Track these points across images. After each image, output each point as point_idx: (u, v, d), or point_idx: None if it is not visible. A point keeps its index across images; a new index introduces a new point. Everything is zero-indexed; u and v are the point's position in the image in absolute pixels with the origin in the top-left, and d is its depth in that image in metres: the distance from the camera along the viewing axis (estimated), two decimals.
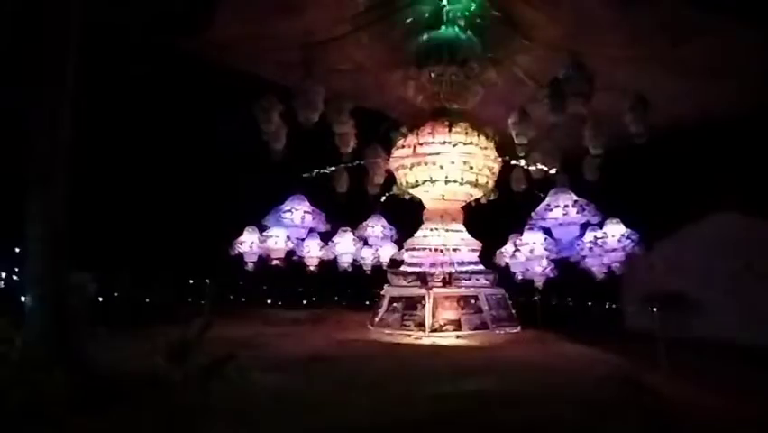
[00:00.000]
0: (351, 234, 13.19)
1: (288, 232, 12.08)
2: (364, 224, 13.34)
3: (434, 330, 10.37)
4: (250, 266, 12.12)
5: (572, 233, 10.38)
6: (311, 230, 12.48)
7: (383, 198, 13.06)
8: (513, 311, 11.77)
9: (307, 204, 12.22)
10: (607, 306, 17.55)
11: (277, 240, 11.87)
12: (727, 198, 14.93)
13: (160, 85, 14.37)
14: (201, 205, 15.88)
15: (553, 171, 11.13)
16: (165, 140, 15.45)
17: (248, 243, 12.02)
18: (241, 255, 12.15)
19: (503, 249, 12.11)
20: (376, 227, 13.36)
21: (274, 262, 11.86)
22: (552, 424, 5.34)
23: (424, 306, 10.61)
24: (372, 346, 9.52)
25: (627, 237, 9.96)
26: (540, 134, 10.49)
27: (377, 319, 11.07)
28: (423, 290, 10.82)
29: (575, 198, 10.55)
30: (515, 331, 11.28)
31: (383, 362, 7.89)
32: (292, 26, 10.01)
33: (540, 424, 5.30)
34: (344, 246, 13.04)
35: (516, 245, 11.13)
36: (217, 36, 9.77)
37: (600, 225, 10.45)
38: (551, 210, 10.62)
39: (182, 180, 16.00)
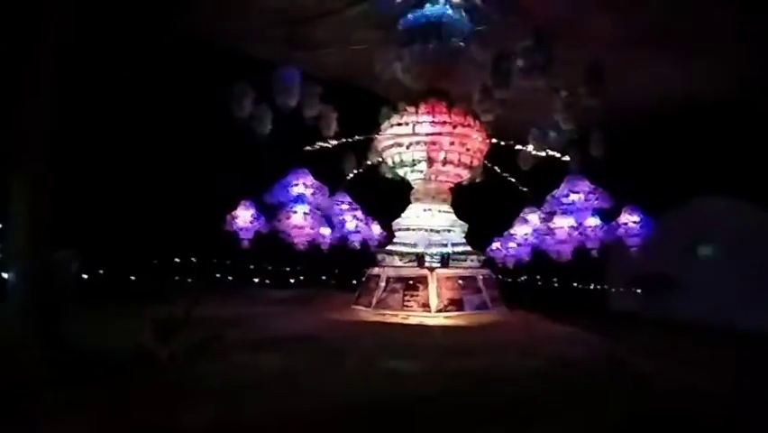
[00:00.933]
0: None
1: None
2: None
3: (439, 310, 10.41)
4: (245, 244, 11.08)
5: (586, 217, 10.52)
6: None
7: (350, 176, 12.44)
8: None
9: (312, 179, 11.01)
10: (592, 287, 17.76)
11: (305, 217, 10.55)
12: (715, 181, 15.07)
13: (147, 59, 14.08)
14: (188, 181, 15.69)
15: (558, 155, 11.01)
16: (153, 115, 15.19)
17: (243, 218, 10.99)
18: (235, 232, 11.16)
19: (526, 229, 12.02)
20: (342, 205, 12.29)
21: (298, 241, 10.55)
22: (537, 403, 5.42)
23: (426, 286, 10.60)
24: (359, 326, 9.56)
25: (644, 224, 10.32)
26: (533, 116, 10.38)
27: (374, 300, 10.87)
28: (425, 271, 10.80)
29: (590, 184, 10.56)
30: (503, 311, 11.39)
31: (369, 341, 7.92)
32: (279, 1, 9.83)
33: (525, 403, 5.37)
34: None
35: (549, 228, 11.11)
36: (204, 9, 9.55)
37: (612, 211, 10.61)
38: (567, 196, 10.61)
39: (169, 157, 15.78)
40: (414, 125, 10.91)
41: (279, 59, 10.30)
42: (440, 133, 10.84)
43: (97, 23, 11.51)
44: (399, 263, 11.16)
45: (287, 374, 5.97)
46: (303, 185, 10.55)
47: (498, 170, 12.44)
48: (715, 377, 7.14)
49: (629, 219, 10.53)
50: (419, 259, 10.99)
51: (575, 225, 10.51)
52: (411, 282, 10.75)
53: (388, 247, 11.70)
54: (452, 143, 10.90)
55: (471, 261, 11.56)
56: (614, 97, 9.77)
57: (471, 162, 11.39)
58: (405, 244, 11.39)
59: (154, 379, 5.49)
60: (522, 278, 14.11)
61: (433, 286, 10.55)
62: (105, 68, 13.87)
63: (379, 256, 11.66)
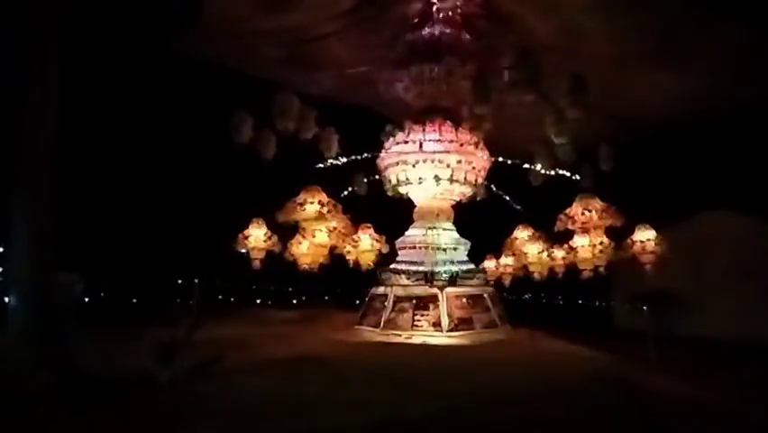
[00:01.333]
0: None
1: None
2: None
3: (451, 330, 10.31)
4: (257, 264, 10.71)
5: (600, 236, 10.52)
6: None
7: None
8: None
9: (326, 196, 10.63)
10: (597, 304, 17.60)
11: (330, 235, 10.40)
12: (718, 195, 15.03)
13: (150, 82, 14.22)
14: (190, 202, 15.71)
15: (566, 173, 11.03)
16: (156, 134, 15.29)
17: (256, 238, 10.62)
18: (246, 252, 10.80)
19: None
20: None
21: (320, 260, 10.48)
22: (543, 422, 5.34)
23: (437, 305, 10.51)
24: (362, 347, 9.48)
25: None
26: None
27: (383, 320, 10.68)
28: (434, 290, 10.70)
29: (602, 203, 10.56)
30: (508, 330, 11.31)
31: (373, 362, 7.85)
32: (280, 23, 9.95)
33: (532, 422, 5.30)
34: None
35: (570, 246, 11.17)
36: (205, 32, 9.68)
37: (624, 229, 10.62)
38: (582, 214, 10.60)
39: (173, 178, 15.84)
40: (421, 143, 10.93)
41: (279, 79, 10.43)
42: (448, 151, 10.90)
43: (98, 39, 11.66)
44: (407, 282, 11.03)
45: (288, 397, 5.91)
46: (318, 203, 10.25)
47: (494, 188, 12.41)
48: (722, 393, 7.05)
49: (644, 236, 10.54)
50: (428, 278, 10.90)
51: (593, 243, 10.54)
52: (421, 302, 10.65)
53: (393, 266, 11.50)
54: (459, 162, 10.96)
55: (478, 279, 11.51)
56: (616, 112, 9.84)
57: (476, 180, 11.43)
58: (411, 263, 11.23)
59: (155, 402, 5.43)
60: (526, 295, 14.03)
61: (443, 305, 10.47)
62: (107, 86, 14.03)
63: (384, 275, 11.43)
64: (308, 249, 10.59)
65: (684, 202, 15.35)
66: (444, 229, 11.64)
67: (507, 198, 12.28)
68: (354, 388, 6.28)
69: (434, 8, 10.64)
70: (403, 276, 11.11)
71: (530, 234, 12.47)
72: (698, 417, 6.00)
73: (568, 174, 10.76)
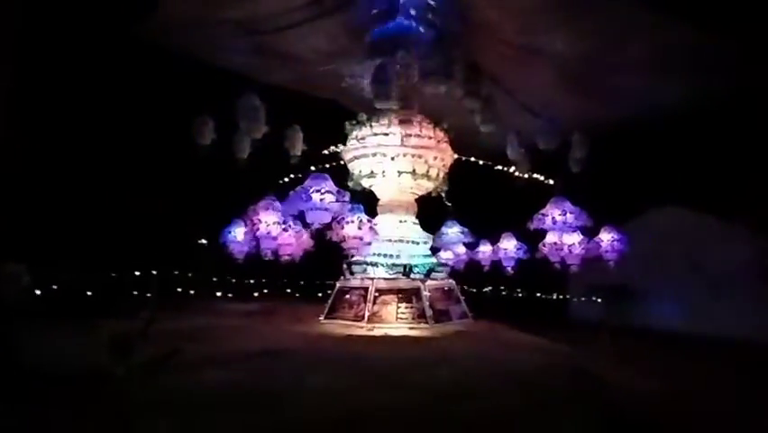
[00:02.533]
0: None
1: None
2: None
3: (436, 322, 10.42)
4: (240, 258, 10.81)
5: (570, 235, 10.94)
6: None
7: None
8: None
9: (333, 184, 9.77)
10: (555, 296, 18.04)
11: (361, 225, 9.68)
12: (669, 192, 15.57)
13: (112, 70, 13.77)
14: (148, 193, 15.32)
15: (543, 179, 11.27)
16: (111, 121, 14.82)
17: (241, 232, 10.57)
18: (231, 246, 10.76)
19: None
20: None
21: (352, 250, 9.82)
22: (503, 414, 5.42)
23: (420, 298, 10.56)
24: (324, 339, 9.43)
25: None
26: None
27: (367, 314, 10.47)
28: (417, 283, 10.74)
29: (572, 206, 10.83)
30: (470, 322, 11.48)
31: (335, 355, 7.82)
32: (244, 12, 9.75)
33: (491, 415, 5.37)
34: None
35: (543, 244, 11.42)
36: (166, 18, 9.39)
37: (592, 230, 10.93)
38: (549, 215, 10.83)
39: (129, 169, 15.39)
40: (402, 137, 10.89)
41: (243, 69, 10.24)
42: (428, 147, 10.95)
43: (55, 27, 11.21)
44: (386, 275, 11.01)
45: (250, 391, 5.82)
46: (329, 192, 9.39)
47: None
48: (676, 382, 7.32)
49: (608, 237, 10.99)
50: (406, 271, 10.92)
51: (561, 241, 10.87)
52: (406, 294, 10.68)
53: (370, 259, 11.22)
54: (434, 158, 11.07)
55: (445, 272, 11.67)
56: (576, 112, 10.06)
57: (444, 175, 11.60)
58: (387, 256, 11.12)
59: (109, 397, 5.26)
60: (486, 288, 14.29)
61: (425, 297, 10.57)
62: (64, 72, 13.51)
63: (358, 267, 11.27)
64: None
65: (638, 199, 15.88)
66: (413, 223, 11.73)
67: (443, 194, 12.34)
68: (319, 381, 6.24)
69: (401, 1, 10.58)
70: (382, 268, 11.07)
71: (458, 229, 12.83)
72: (652, 406, 6.21)
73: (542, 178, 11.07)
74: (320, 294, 13.61)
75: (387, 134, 10.99)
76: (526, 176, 10.88)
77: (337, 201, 9.27)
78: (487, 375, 6.68)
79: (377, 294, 10.74)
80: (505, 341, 9.83)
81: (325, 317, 11.11)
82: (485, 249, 12.85)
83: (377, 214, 11.81)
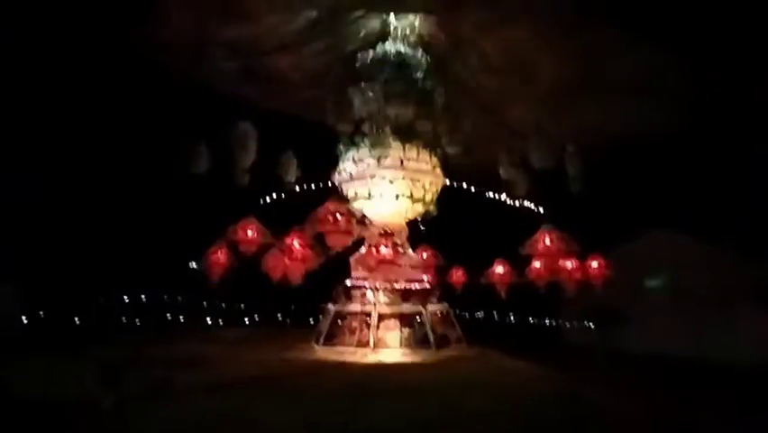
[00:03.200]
0: None
1: None
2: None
3: (438, 347, 10.31)
4: (215, 282, 10.04)
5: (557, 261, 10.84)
6: None
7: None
8: None
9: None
10: (547, 322, 18.02)
11: None
12: (661, 216, 15.71)
13: (107, 90, 13.79)
14: (140, 217, 15.21)
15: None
16: (103, 151, 14.79)
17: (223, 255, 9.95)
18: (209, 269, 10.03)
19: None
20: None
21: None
22: None
23: (422, 323, 10.48)
24: (316, 366, 9.32)
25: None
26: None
27: (372, 339, 10.27)
28: (419, 307, 10.65)
29: (559, 233, 10.87)
30: (464, 347, 11.39)
31: (327, 382, 7.73)
32: (238, 34, 9.86)
33: None
34: None
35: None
36: (160, 35, 9.46)
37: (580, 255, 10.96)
38: (540, 242, 10.87)
39: (118, 195, 15.31)
40: (402, 161, 10.97)
41: (236, 93, 10.31)
42: (424, 171, 11.02)
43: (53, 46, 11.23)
44: (387, 300, 10.89)
45: (240, 420, 5.73)
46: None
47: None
48: (668, 408, 7.30)
49: (595, 263, 11.00)
50: (410, 294, 10.86)
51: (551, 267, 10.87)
52: (408, 319, 10.60)
53: (368, 283, 11.08)
54: (430, 183, 11.19)
55: (437, 296, 11.60)
56: (563, 137, 10.18)
57: (435, 199, 11.61)
58: (386, 280, 10.94)
59: (99, 428, 5.17)
60: (478, 313, 14.23)
61: (428, 321, 10.50)
62: (59, 92, 13.49)
63: (356, 292, 11.10)
64: None
65: (627, 223, 16.00)
66: (408, 247, 11.69)
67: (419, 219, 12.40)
68: (309, 409, 6.16)
69: (391, 26, 10.76)
70: (381, 293, 10.97)
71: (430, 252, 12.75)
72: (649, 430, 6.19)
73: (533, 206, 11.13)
74: (311, 320, 13.48)
75: (385, 157, 11.03)
76: (517, 204, 10.97)
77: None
78: (481, 402, 6.62)
79: (370, 319, 10.54)
80: (499, 367, 9.75)
81: (323, 343, 10.85)
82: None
83: None
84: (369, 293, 10.93)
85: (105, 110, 14.16)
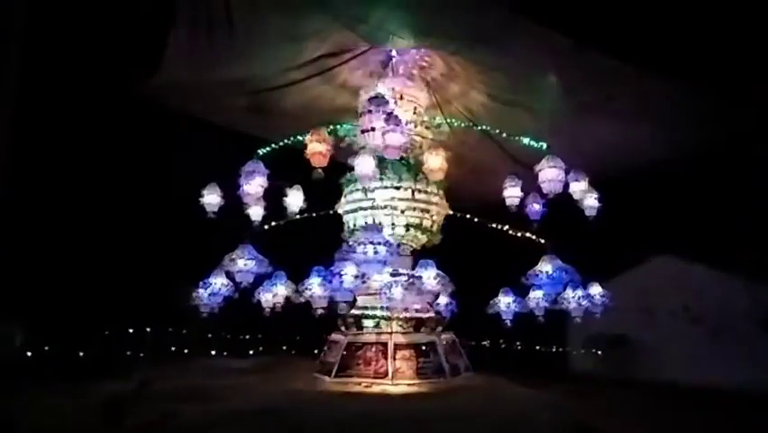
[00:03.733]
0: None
1: None
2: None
3: (452, 376, 10.22)
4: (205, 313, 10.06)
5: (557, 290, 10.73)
6: None
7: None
8: None
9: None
10: (553, 349, 17.86)
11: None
12: (664, 242, 15.69)
13: (105, 127, 14.06)
14: (140, 252, 15.27)
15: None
16: (103, 185, 14.97)
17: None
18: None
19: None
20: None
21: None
22: None
23: (437, 352, 10.34)
24: (323, 397, 9.24)
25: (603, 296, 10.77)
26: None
27: (390, 370, 10.04)
28: (432, 337, 10.52)
29: (561, 263, 10.86)
30: (470, 375, 11.29)
31: (332, 413, 7.66)
32: (243, 71, 10.05)
33: None
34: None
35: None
36: (166, 80, 9.65)
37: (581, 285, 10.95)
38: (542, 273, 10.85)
39: (119, 226, 15.43)
40: (413, 191, 11.03)
41: (243, 127, 10.47)
42: (434, 203, 11.06)
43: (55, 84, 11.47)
44: (400, 329, 10.76)
45: None
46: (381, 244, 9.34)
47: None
48: None
49: (595, 291, 10.96)
50: (425, 323, 10.79)
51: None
52: (420, 349, 10.40)
53: (380, 313, 10.82)
54: (437, 213, 11.10)
55: (444, 325, 11.54)
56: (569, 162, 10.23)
57: (433, 226, 11.59)
58: (399, 309, 10.54)
59: None
60: (485, 342, 14.14)
61: (441, 351, 10.38)
62: (58, 128, 13.73)
63: (368, 322, 10.79)
64: None
65: (634, 249, 15.98)
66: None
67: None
68: None
69: (394, 61, 10.95)
70: (394, 323, 10.91)
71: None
72: None
73: (534, 237, 11.13)
74: (316, 351, 13.37)
75: (398, 188, 11.08)
76: (519, 234, 11.00)
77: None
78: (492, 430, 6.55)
79: (374, 348, 10.37)
80: (506, 395, 9.65)
81: (335, 375, 10.50)
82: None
83: None
84: (382, 323, 10.82)
85: (107, 150, 14.43)
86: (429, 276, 10.66)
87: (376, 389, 9.81)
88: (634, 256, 16.29)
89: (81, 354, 12.41)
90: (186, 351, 14.51)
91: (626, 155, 11.99)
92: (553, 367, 16.87)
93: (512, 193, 10.33)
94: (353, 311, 10.87)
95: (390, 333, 10.61)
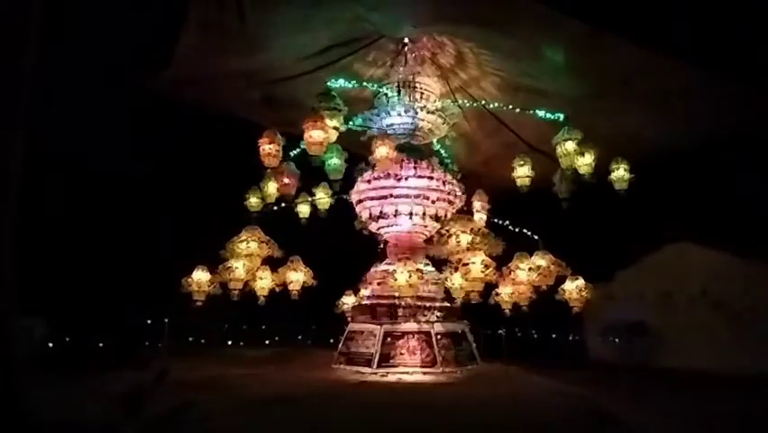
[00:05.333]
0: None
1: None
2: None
3: (443, 366, 10.26)
4: (198, 304, 10.48)
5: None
6: None
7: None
8: None
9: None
10: (570, 337, 17.74)
11: None
12: (684, 228, 15.44)
13: (120, 122, 14.20)
14: (154, 243, 15.43)
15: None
16: (121, 177, 15.12)
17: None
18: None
19: None
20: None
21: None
22: None
23: (435, 341, 10.42)
24: (340, 386, 9.28)
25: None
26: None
27: (376, 358, 10.20)
28: (431, 326, 10.59)
29: (553, 258, 10.74)
30: (483, 365, 11.26)
31: (349, 402, 7.68)
32: (255, 63, 10.03)
33: None
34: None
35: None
36: (178, 73, 9.66)
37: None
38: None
39: (139, 217, 15.59)
40: (444, 182, 11.08)
41: (257, 119, 10.49)
42: (436, 189, 11.02)
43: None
44: (394, 319, 10.82)
45: None
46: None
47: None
48: (697, 427, 7.11)
49: (571, 286, 10.72)
50: (422, 313, 10.82)
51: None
52: (449, 338, 10.69)
53: (368, 302, 11.31)
54: (444, 200, 11.15)
55: (454, 313, 11.49)
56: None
57: (447, 215, 11.54)
58: (421, 298, 10.91)
59: None
60: (501, 330, 14.08)
61: (434, 341, 10.42)
62: (74, 125, 13.88)
63: (404, 312, 10.89)
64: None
65: (652, 235, 15.75)
66: (427, 265, 11.60)
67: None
68: (332, 430, 6.13)
69: (406, 49, 10.85)
70: (378, 310, 10.93)
71: None
72: None
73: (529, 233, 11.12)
74: (332, 340, 13.45)
75: (431, 178, 11.06)
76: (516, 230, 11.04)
77: None
78: (502, 423, 6.52)
79: (391, 338, 10.51)
80: (520, 385, 9.61)
81: (336, 362, 10.87)
82: None
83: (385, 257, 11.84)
84: (410, 311, 10.80)
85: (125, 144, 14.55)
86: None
87: (392, 378, 9.86)
88: (653, 242, 16.06)
89: (100, 345, 12.62)
90: (203, 341, 14.68)
91: (646, 141, 11.78)
92: (571, 355, 16.77)
93: (522, 173, 10.26)
94: (382, 301, 10.88)
95: (386, 322, 10.70)
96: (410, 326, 10.59)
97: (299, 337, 17.13)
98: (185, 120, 12.56)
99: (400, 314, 10.69)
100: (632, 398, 8.59)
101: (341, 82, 10.44)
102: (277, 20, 9.08)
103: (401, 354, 10.37)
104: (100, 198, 15.04)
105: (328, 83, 10.16)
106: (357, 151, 11.51)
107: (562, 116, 9.93)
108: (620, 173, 9.64)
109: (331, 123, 9.05)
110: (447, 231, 10.12)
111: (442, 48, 10.82)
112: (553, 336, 17.50)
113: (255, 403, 7.39)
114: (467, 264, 9.84)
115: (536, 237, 11.03)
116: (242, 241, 10.46)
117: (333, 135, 9.25)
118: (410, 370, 10.08)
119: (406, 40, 10.70)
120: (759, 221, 14.61)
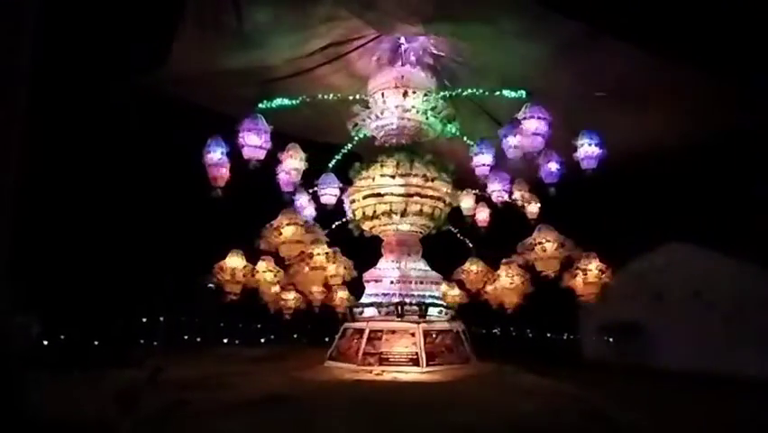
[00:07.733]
0: None
1: None
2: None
3: (427, 365, 10.18)
4: (233, 298, 10.14)
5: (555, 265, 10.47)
6: None
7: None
8: None
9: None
10: (565, 336, 17.81)
11: None
12: (678, 228, 15.52)
13: (118, 117, 14.14)
14: (153, 240, 15.40)
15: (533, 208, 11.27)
16: (116, 171, 15.08)
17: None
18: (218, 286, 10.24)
19: None
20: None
21: None
22: None
23: (431, 339, 10.46)
24: (333, 384, 9.29)
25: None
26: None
27: (360, 355, 10.29)
28: (427, 324, 10.56)
29: (559, 235, 10.63)
30: (476, 364, 11.28)
31: (343, 400, 7.70)
32: (251, 61, 10.00)
33: None
34: None
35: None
36: (174, 71, 9.63)
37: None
38: (537, 245, 10.57)
39: (133, 218, 15.55)
40: (430, 178, 10.99)
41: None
42: (419, 186, 11.01)
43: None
44: (381, 316, 10.81)
45: None
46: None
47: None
48: (691, 424, 7.16)
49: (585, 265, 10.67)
50: (399, 311, 10.83)
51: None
52: (446, 337, 10.74)
53: (365, 300, 11.37)
54: (439, 198, 11.14)
55: (447, 312, 11.49)
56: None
57: (445, 215, 11.56)
58: (384, 296, 11.07)
59: None
60: (495, 330, 14.13)
61: (420, 339, 10.36)
62: (70, 122, 13.83)
63: (357, 309, 11.24)
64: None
65: (645, 235, 15.82)
66: (423, 263, 11.65)
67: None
68: (326, 429, 6.15)
69: (402, 48, 10.85)
70: (374, 309, 10.98)
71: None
72: None
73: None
74: (327, 339, 13.46)
75: (383, 176, 11.03)
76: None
77: None
78: (493, 423, 6.55)
79: (387, 336, 10.54)
80: (513, 384, 9.62)
81: (329, 359, 10.90)
82: None
83: (381, 256, 11.86)
84: (366, 310, 10.97)
85: (118, 140, 14.49)
86: None
87: (386, 376, 9.87)
88: (645, 243, 16.14)
89: (96, 343, 12.60)
90: (198, 340, 14.67)
91: (638, 142, 11.82)
92: (565, 355, 16.84)
93: (480, 161, 10.26)
94: (412, 300, 10.91)
95: (380, 320, 10.77)
96: (406, 325, 10.63)
97: (294, 336, 17.13)
98: (181, 119, 12.50)
99: (397, 313, 10.74)
100: (627, 398, 8.64)
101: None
102: (273, 18, 9.06)
103: (397, 352, 10.43)
104: (96, 198, 15.01)
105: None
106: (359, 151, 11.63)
107: (524, 93, 9.83)
108: (588, 148, 9.44)
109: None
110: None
111: (439, 47, 10.83)
112: (548, 335, 17.55)
113: (248, 402, 7.39)
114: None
115: (471, 245, 11.47)
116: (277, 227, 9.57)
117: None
118: (405, 369, 10.12)
119: (403, 39, 10.71)
120: (752, 222, 14.70)
